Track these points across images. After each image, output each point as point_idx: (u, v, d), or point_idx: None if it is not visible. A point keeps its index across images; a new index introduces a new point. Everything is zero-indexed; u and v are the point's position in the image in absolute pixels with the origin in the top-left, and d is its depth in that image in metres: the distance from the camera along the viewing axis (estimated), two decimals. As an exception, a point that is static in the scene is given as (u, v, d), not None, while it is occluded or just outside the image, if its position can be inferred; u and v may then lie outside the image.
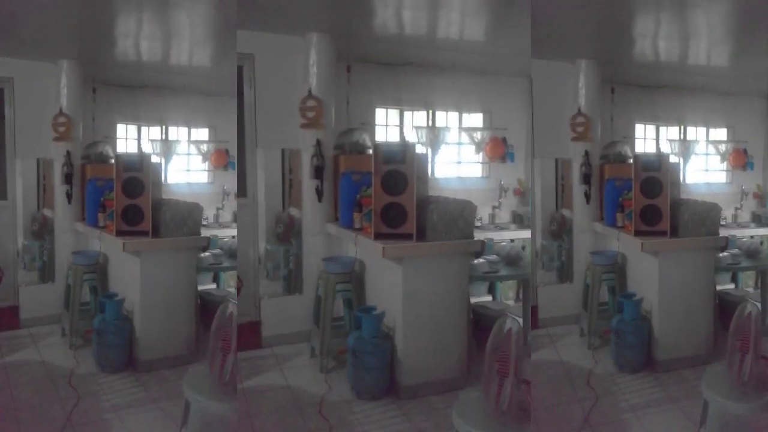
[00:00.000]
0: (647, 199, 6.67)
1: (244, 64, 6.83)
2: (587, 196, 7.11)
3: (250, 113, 6.88)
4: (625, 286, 6.96)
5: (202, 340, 6.51)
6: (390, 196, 6.18)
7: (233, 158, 7.01)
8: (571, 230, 7.14)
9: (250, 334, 6.75)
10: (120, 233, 6.72)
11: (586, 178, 7.08)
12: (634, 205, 6.69)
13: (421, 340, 6.15)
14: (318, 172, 6.83)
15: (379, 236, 6.19)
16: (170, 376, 6.48)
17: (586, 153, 7.09)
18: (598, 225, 7.15)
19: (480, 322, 6.39)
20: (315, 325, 6.67)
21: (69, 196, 7.07)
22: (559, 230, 7.16)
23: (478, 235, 6.72)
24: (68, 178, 7.05)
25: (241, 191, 6.92)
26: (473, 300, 6.68)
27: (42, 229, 7.13)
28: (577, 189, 7.12)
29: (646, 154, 6.97)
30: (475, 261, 6.76)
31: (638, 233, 6.69)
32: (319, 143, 6.83)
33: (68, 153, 7.03)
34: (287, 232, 6.99)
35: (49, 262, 7.15)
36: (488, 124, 7.45)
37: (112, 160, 6.96)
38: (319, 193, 6.86)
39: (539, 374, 6.50)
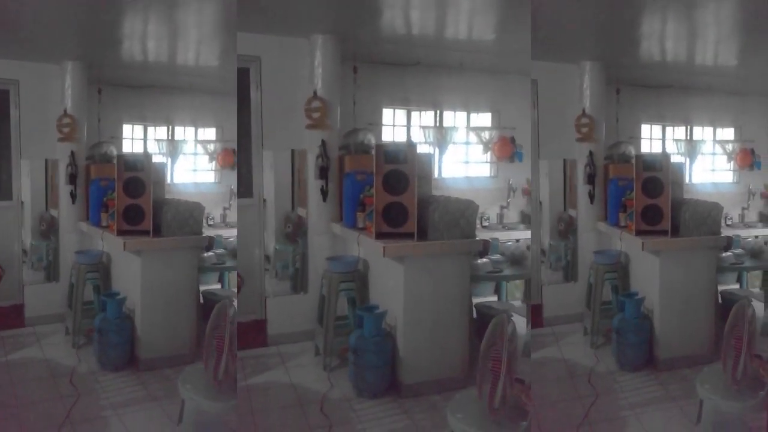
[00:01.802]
0: (648, 199, 6.97)
1: (250, 66, 7.15)
2: (591, 196, 7.39)
3: (256, 114, 7.18)
4: (627, 285, 7.23)
5: (203, 340, 6.60)
6: (391, 196, 6.52)
7: (241, 158, 7.31)
8: (577, 230, 7.42)
9: (255, 333, 7.06)
10: (121, 233, 7.03)
11: (591, 179, 7.37)
12: (635, 204, 6.99)
13: (422, 338, 6.48)
14: (323, 173, 7.12)
15: (380, 236, 6.50)
16: (171, 375, 6.76)
17: (591, 153, 7.37)
18: (602, 224, 7.42)
19: (484, 322, 6.48)
20: (319, 324, 6.98)
21: (73, 196, 7.38)
22: (566, 230, 7.42)
23: (486, 235, 7.10)
24: (72, 179, 7.37)
25: (247, 191, 7.23)
26: (479, 300, 7.03)
27: (49, 229, 7.45)
28: (582, 189, 7.40)
29: (647, 154, 7.26)
30: (479, 261, 7.11)
31: (639, 233, 6.97)
32: (324, 144, 7.12)
33: (72, 153, 7.35)
34: (296, 232, 7.30)
35: (54, 262, 7.46)
36: (496, 123, 7.67)
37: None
38: (324, 193, 7.15)
39: (542, 372, 6.78)
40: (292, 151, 7.30)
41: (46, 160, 7.43)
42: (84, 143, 7.47)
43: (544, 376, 6.79)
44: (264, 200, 7.35)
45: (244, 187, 7.28)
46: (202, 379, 6.01)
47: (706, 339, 7.00)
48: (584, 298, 7.34)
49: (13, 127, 7.38)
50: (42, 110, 7.39)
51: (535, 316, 7.13)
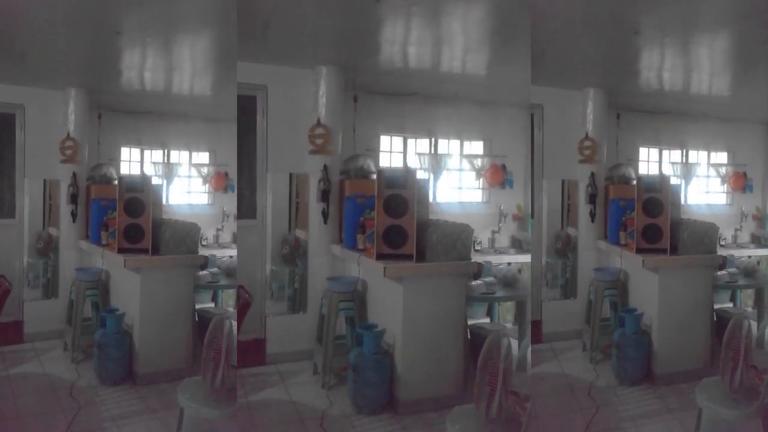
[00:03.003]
0: (649, 219, 7.11)
1: (257, 94, 7.27)
2: (592, 216, 7.52)
3: (261, 139, 7.30)
4: (626, 301, 7.35)
5: (199, 355, 6.66)
6: (392, 219, 6.64)
7: (233, 181, 7.46)
8: (576, 248, 7.52)
9: (255, 351, 7.11)
10: (121, 251, 7.12)
11: (592, 198, 7.52)
12: (636, 223, 7.11)
13: (420, 357, 6.55)
14: (324, 196, 7.23)
15: (381, 257, 6.61)
16: (168, 389, 6.79)
17: (592, 175, 7.53)
18: (602, 243, 7.55)
19: (477, 343, 6.55)
20: (318, 343, 7.03)
21: (74, 215, 7.50)
22: (564, 248, 7.55)
23: (478, 259, 7.15)
24: (74, 198, 7.49)
25: (251, 213, 7.31)
26: (472, 322, 7.07)
27: (46, 248, 7.56)
28: (583, 209, 7.52)
29: (648, 176, 7.39)
30: (473, 282, 7.18)
31: (640, 251, 7.10)
32: (326, 168, 7.24)
33: (74, 175, 7.48)
34: (293, 254, 7.38)
35: (53, 279, 7.55)
36: (488, 151, 7.80)
37: (116, 182, 7.39)
38: (325, 215, 7.25)
39: (543, 386, 6.86)
40: (290, 174, 7.39)
41: (45, 180, 7.54)
42: (85, 165, 7.59)
43: (544, 390, 6.87)
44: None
45: (247, 209, 7.37)
46: (200, 389, 6.09)
47: (702, 354, 7.14)
48: (583, 315, 7.45)
49: (18, 149, 7.51)
50: (46, 133, 7.57)
51: (535, 332, 7.22)
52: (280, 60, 7.24)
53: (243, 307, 7.20)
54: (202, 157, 7.78)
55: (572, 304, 7.56)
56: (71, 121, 7.58)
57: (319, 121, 7.31)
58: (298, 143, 7.32)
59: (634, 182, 7.39)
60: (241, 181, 7.34)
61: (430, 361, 6.62)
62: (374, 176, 7.14)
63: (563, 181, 7.65)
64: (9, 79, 7.36)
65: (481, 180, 7.89)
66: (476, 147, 7.93)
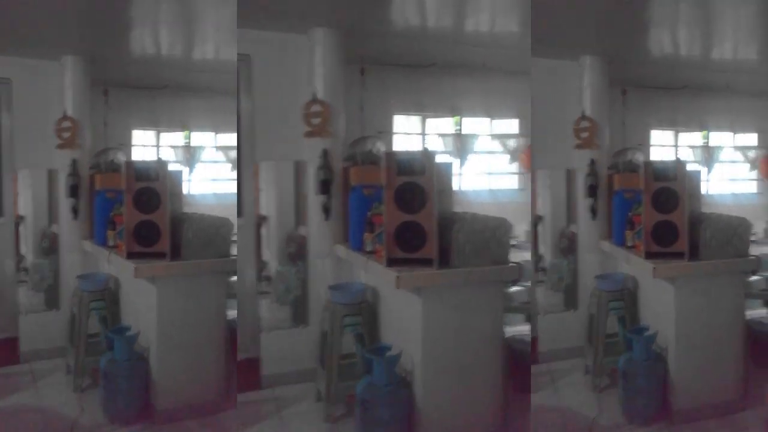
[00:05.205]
0: (660, 214, 5.03)
1: (239, 65, 5.24)
2: (593, 211, 5.58)
3: (247, 120, 5.34)
4: (636, 316, 5.33)
5: (234, 383, 4.85)
6: (405, 214, 4.53)
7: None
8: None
9: (248, 373, 5.05)
10: (132, 255, 5.00)
11: (592, 190, 5.56)
12: (644, 221, 5.09)
13: (445, 388, 4.44)
14: (324, 187, 5.16)
15: (393, 262, 4.53)
16: (194, 428, 4.78)
17: (592, 162, 5.59)
18: (605, 244, 5.58)
19: (515, 358, 4.73)
20: (320, 365, 4.91)
21: (75, 210, 5.52)
22: (570, 247, 5.68)
23: (514, 257, 4.97)
24: (74, 191, 5.53)
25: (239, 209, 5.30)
26: (513, 330, 4.98)
27: (52, 246, 5.66)
28: (582, 203, 5.60)
29: (658, 162, 5.36)
30: (512, 289, 5.19)
31: (650, 255, 5.05)
32: (326, 154, 5.18)
33: (74, 162, 5.54)
34: (300, 252, 5.38)
35: (54, 287, 5.59)
36: (523, 130, 5.89)
37: (124, 169, 5.41)
38: (327, 210, 5.18)
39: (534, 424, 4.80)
40: (296, 162, 5.38)
41: (49, 171, 5.68)
42: (87, 150, 5.66)
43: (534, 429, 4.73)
44: (265, 217, 5.37)
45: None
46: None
47: (732, 383, 5.04)
48: (585, 331, 5.41)
49: (4, 132, 5.69)
50: (38, 113, 5.63)
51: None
52: (267, 24, 5.24)
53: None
54: (229, 138, 5.72)
55: (573, 317, 5.61)
56: (68, 97, 5.64)
57: (314, 96, 5.25)
58: (292, 124, 5.31)
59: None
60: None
61: (458, 394, 4.47)
62: (386, 161, 5.17)
63: (567, 170, 5.72)
64: (-8, 49, 5.58)
65: (516, 163, 5.96)
66: (509, 125, 5.98)
